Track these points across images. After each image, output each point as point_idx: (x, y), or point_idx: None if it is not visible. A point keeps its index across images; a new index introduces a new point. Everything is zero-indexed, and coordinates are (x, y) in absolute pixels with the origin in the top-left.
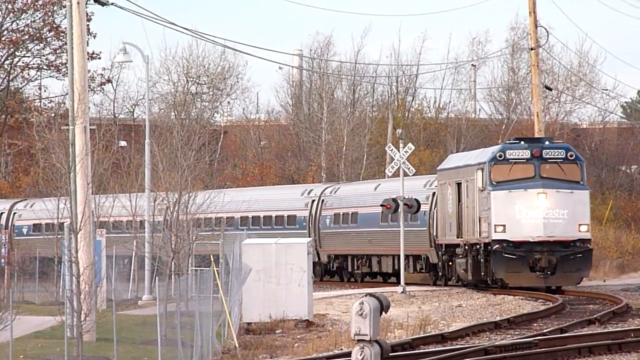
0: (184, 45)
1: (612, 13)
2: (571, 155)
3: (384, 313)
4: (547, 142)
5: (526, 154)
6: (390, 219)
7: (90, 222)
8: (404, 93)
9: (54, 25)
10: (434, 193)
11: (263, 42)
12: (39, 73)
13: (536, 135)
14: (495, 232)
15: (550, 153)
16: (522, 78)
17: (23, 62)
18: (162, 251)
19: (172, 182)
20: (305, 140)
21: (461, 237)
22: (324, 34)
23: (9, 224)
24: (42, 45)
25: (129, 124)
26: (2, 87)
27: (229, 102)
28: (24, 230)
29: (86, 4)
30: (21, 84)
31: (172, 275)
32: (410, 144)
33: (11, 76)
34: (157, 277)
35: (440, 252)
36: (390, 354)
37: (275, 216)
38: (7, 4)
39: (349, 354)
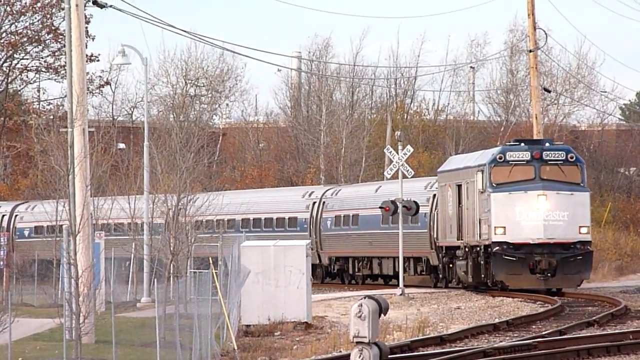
0: (182, 47)
1: (611, 15)
2: (571, 157)
3: (382, 315)
4: (547, 144)
5: (526, 155)
6: (391, 221)
7: (89, 225)
8: (403, 95)
9: (53, 28)
10: (434, 195)
11: (262, 44)
12: (37, 75)
13: (535, 138)
14: (496, 234)
15: (550, 155)
16: (520, 80)
17: (22, 65)
18: (161, 253)
19: (170, 185)
20: (304, 142)
21: (461, 239)
22: (323, 36)
23: (11, 226)
24: (40, 47)
25: (127, 127)
26: (0, 89)
27: (227, 105)
28: (26, 233)
29: (85, 6)
30: (20, 86)
31: (171, 278)
32: (409, 146)
33: (10, 78)
34: (155, 280)
35: (440, 254)
36: (389, 356)
37: (277, 218)
38: (5, 7)
39: (347, 356)
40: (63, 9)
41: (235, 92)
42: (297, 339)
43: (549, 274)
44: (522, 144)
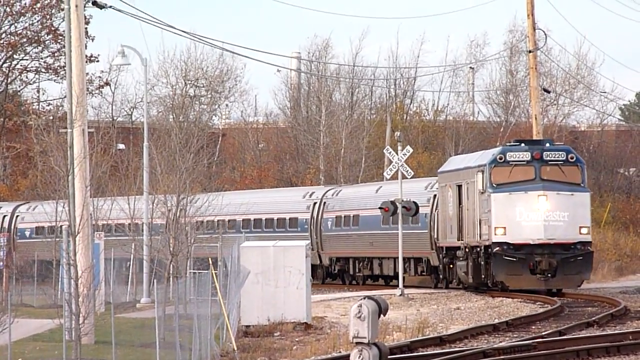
0: (182, 48)
1: (611, 15)
2: (572, 157)
3: (382, 316)
4: (547, 144)
5: (526, 156)
6: (392, 222)
7: (89, 225)
8: (402, 96)
9: (53, 28)
10: (434, 195)
11: (261, 44)
12: (37, 76)
13: (535, 138)
14: (496, 234)
15: (550, 155)
16: (520, 80)
17: (21, 65)
18: (161, 254)
19: (170, 185)
20: (303, 142)
21: (462, 240)
22: (322, 37)
23: (12, 227)
24: (40, 48)
25: (127, 127)
26: (0, 90)
27: (227, 105)
28: (27, 233)
29: (84, 6)
30: (19, 86)
31: (171, 278)
32: (408, 147)
33: (9, 79)
34: (155, 280)
35: (441, 255)
36: (389, 357)
37: (277, 219)
38: (5, 7)
39: (347, 357)
40: (63, 9)
41: (234, 92)
42: (297, 339)
43: (549, 275)
44: (523, 145)
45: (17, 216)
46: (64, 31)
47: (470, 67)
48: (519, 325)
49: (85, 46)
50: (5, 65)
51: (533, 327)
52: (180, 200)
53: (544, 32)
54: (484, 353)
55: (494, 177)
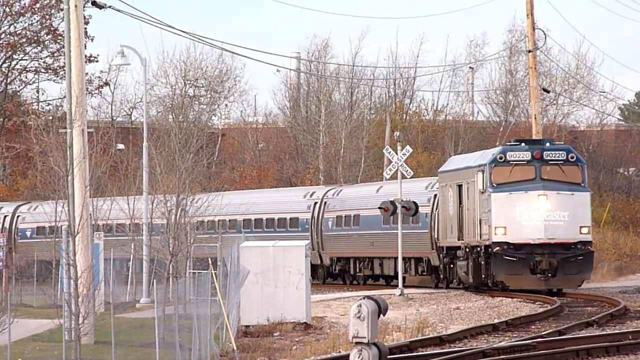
0: (181, 48)
1: (610, 15)
2: (572, 157)
3: (382, 316)
4: (547, 144)
5: (527, 155)
6: (392, 222)
7: (88, 225)
8: (402, 95)
9: (52, 29)
10: (435, 195)
11: (261, 44)
12: (36, 76)
13: (534, 138)
14: (496, 234)
15: (551, 155)
16: (519, 80)
17: (21, 65)
18: (160, 254)
19: (170, 185)
20: (303, 142)
21: (462, 240)
22: (322, 37)
23: (13, 227)
24: (39, 48)
25: (126, 127)
26: (0, 90)
27: (226, 105)
28: (28, 233)
29: (84, 7)
30: (19, 87)
31: (170, 278)
32: (408, 147)
33: (9, 79)
34: (155, 280)
35: (441, 255)
36: (388, 357)
37: (278, 219)
38: (4, 7)
39: (347, 357)
40: (62, 9)
41: (234, 92)
42: (297, 339)
43: (549, 274)
44: (523, 144)
45: (18, 216)
46: (63, 31)
47: (470, 67)
48: (518, 325)
49: (85, 46)
50: (4, 65)
51: (532, 326)
52: (180, 201)
53: (543, 31)
54: (483, 353)
55: (494, 176)
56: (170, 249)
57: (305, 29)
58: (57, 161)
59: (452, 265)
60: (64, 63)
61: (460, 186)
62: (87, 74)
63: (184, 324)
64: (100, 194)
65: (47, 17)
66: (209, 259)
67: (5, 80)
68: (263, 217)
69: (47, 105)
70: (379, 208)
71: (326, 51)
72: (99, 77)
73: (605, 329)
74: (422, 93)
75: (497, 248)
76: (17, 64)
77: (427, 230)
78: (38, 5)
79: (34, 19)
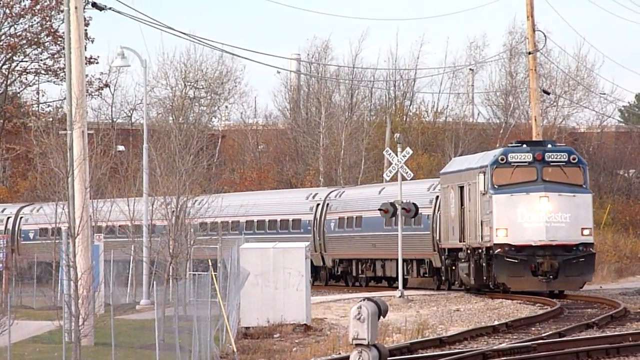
0: (181, 49)
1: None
2: (574, 159)
3: (382, 317)
4: (549, 145)
5: (528, 157)
6: (394, 223)
7: (88, 227)
8: (402, 97)
9: (52, 30)
10: (437, 197)
11: (261, 46)
12: (36, 78)
13: (534, 140)
14: (497, 236)
15: (552, 156)
16: (519, 82)
17: (21, 67)
18: (160, 256)
19: (170, 187)
20: (303, 144)
21: (463, 241)
22: (322, 39)
23: (16, 228)
24: (40, 49)
25: (126, 129)
26: (0, 91)
27: (226, 107)
28: (30, 235)
29: (84, 8)
30: (19, 88)
31: (170, 280)
32: (408, 148)
33: (9, 81)
34: (155, 282)
35: (443, 257)
36: (388, 359)
37: (280, 220)
38: (4, 9)
39: (347, 359)
40: (62, 11)
41: (234, 94)
42: (297, 341)
43: (551, 276)
44: (524, 146)
45: (21, 218)
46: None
47: (470, 69)
48: (518, 326)
49: (85, 48)
50: (4, 67)
51: (533, 328)
52: (182, 202)
53: (543, 33)
54: (483, 354)
55: (495, 178)
56: (170, 250)
57: (306, 31)
58: (57, 163)
59: (453, 267)
60: (64, 65)
61: (461, 188)
62: (87, 75)
63: (184, 326)
64: (101, 196)
65: (47, 18)
66: (209, 260)
67: (5, 82)
68: (265, 219)
69: (47, 107)
70: (379, 210)
71: (326, 53)
72: (99, 78)
73: (605, 330)
74: (422, 95)
75: (499, 250)
76: (17, 65)
77: (428, 232)
78: (38, 6)
79: (34, 20)
